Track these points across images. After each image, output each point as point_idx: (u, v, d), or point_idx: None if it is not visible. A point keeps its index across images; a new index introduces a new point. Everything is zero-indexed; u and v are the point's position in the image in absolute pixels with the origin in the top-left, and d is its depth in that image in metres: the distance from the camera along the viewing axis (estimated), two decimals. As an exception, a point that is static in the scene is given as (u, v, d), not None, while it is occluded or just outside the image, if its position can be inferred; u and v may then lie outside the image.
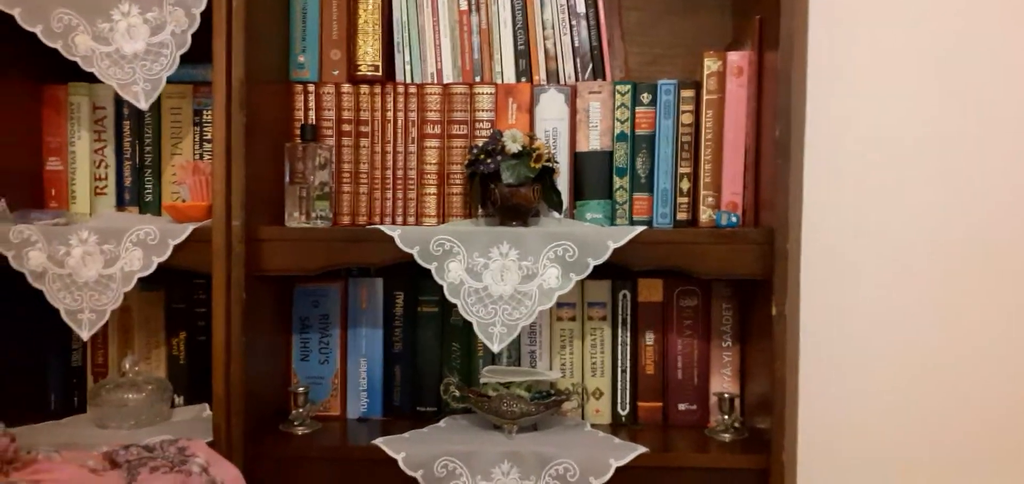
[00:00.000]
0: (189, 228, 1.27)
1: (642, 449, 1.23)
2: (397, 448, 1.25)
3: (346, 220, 1.39)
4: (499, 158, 1.28)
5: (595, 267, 1.25)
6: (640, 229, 1.25)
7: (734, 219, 1.28)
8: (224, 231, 1.24)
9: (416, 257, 1.25)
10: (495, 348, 1.25)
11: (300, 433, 1.33)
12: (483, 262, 1.25)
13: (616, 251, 1.24)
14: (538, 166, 1.28)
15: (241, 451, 1.24)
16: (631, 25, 1.52)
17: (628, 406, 1.40)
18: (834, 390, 1.39)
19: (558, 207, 1.34)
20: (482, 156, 1.29)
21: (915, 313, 1.39)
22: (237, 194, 1.24)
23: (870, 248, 1.39)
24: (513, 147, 1.27)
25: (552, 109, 1.38)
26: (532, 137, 1.33)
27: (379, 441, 1.26)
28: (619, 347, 1.40)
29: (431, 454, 1.23)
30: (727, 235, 1.24)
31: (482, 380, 1.34)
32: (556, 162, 1.33)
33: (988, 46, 1.38)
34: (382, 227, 1.27)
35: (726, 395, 1.32)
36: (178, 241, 1.26)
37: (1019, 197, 1.37)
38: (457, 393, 1.34)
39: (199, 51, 1.27)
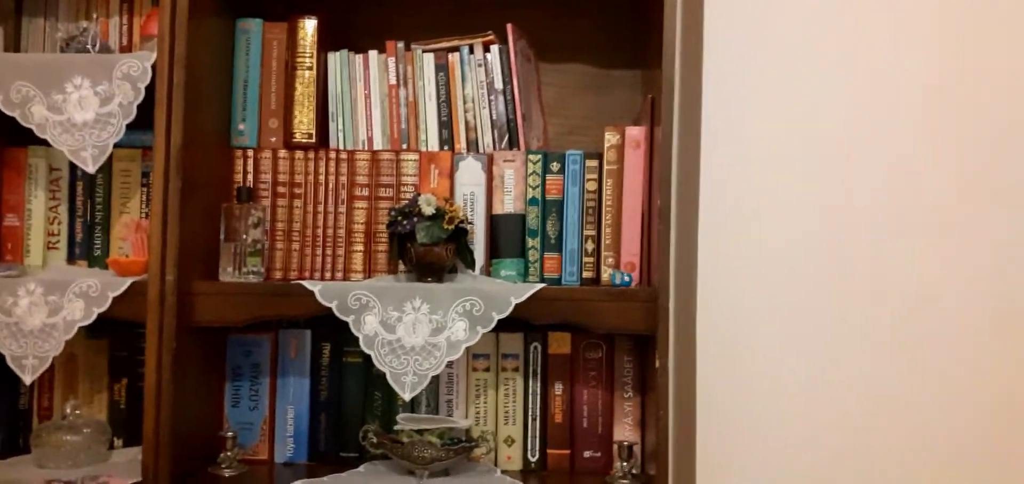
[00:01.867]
0: (128, 282, 1.38)
1: (538, 492, 1.33)
2: (314, 490, 1.34)
3: (279, 275, 1.50)
4: (415, 219, 1.39)
5: (510, 321, 1.36)
6: (540, 286, 1.36)
7: (627, 278, 1.40)
8: (158, 284, 1.35)
9: (334, 310, 1.36)
10: (406, 396, 1.35)
11: (227, 475, 1.42)
12: (397, 316, 1.36)
13: (519, 306, 1.35)
14: (451, 227, 1.40)
15: (167, 490, 1.33)
16: (550, 99, 1.66)
17: (538, 453, 1.50)
18: (731, 438, 1.49)
19: (471, 265, 1.45)
20: (399, 218, 1.41)
21: (808, 368, 1.49)
22: (171, 251, 1.36)
23: (764, 304, 1.50)
24: (427, 209, 1.39)
25: (470, 175, 1.50)
26: (448, 200, 1.45)
27: None
28: (530, 397, 1.50)
29: (345, 495, 1.33)
30: (618, 293, 1.35)
31: (396, 427, 1.44)
32: (469, 223, 1.45)
33: (875, 121, 1.51)
34: (304, 282, 1.38)
35: (625, 443, 1.41)
36: (117, 293, 1.37)
37: (907, 249, 1.48)
38: (375, 439, 1.43)
39: (149, 119, 1.39)
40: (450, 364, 1.46)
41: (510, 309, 1.34)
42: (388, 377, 1.35)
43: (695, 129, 1.51)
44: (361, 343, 1.35)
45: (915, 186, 1.50)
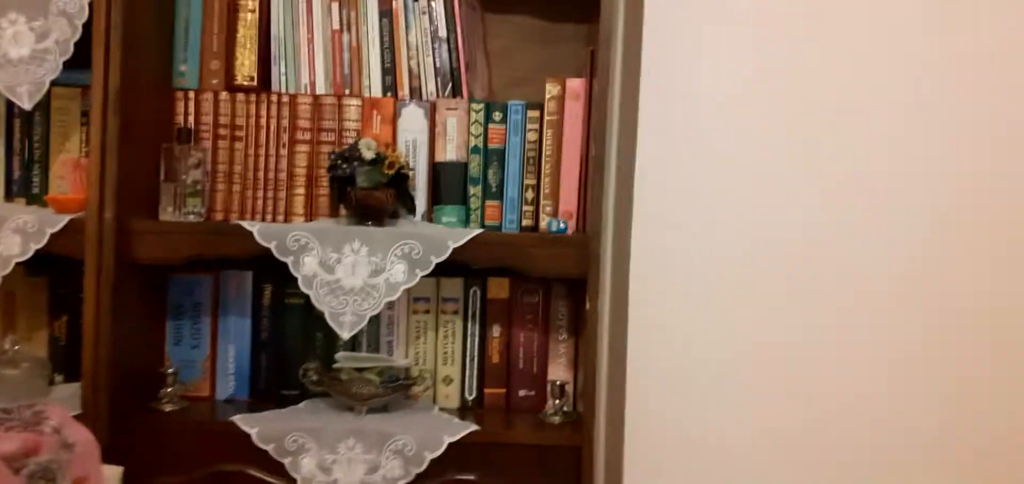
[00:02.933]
0: (66, 219, 1.38)
1: (472, 427, 1.38)
2: (252, 424, 1.37)
3: (219, 216, 1.51)
4: (355, 164, 1.42)
5: (450, 266, 1.40)
6: (478, 231, 1.40)
7: (562, 226, 1.44)
8: (96, 221, 1.36)
9: (273, 251, 1.38)
10: (344, 335, 1.38)
11: (167, 409, 1.44)
12: (336, 257, 1.38)
13: (457, 250, 1.39)
14: (391, 172, 1.43)
15: (106, 423, 1.35)
16: (496, 50, 1.67)
17: (475, 391, 1.55)
18: (661, 380, 1.55)
19: (412, 211, 1.48)
20: (339, 162, 1.43)
21: (739, 316, 1.56)
22: (110, 189, 1.36)
23: (697, 250, 1.56)
24: (367, 154, 1.41)
25: (413, 122, 1.53)
26: (389, 146, 1.47)
27: (236, 418, 1.38)
28: (469, 338, 1.55)
29: (283, 430, 1.36)
30: (552, 240, 1.40)
31: (335, 365, 1.47)
32: (410, 169, 1.48)
33: (809, 65, 1.55)
34: (243, 223, 1.39)
35: (557, 382, 1.47)
36: (54, 230, 1.37)
37: (840, 196, 1.53)
38: (315, 377, 1.46)
39: (88, 57, 1.38)
40: (391, 306, 1.51)
41: (448, 253, 1.38)
42: (327, 317, 1.38)
43: (635, 81, 1.55)
44: (300, 283, 1.38)
45: (861, 139, 1.53)
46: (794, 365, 1.56)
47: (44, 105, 1.50)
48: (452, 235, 1.38)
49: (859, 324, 1.54)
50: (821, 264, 1.55)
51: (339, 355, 1.48)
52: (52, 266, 1.50)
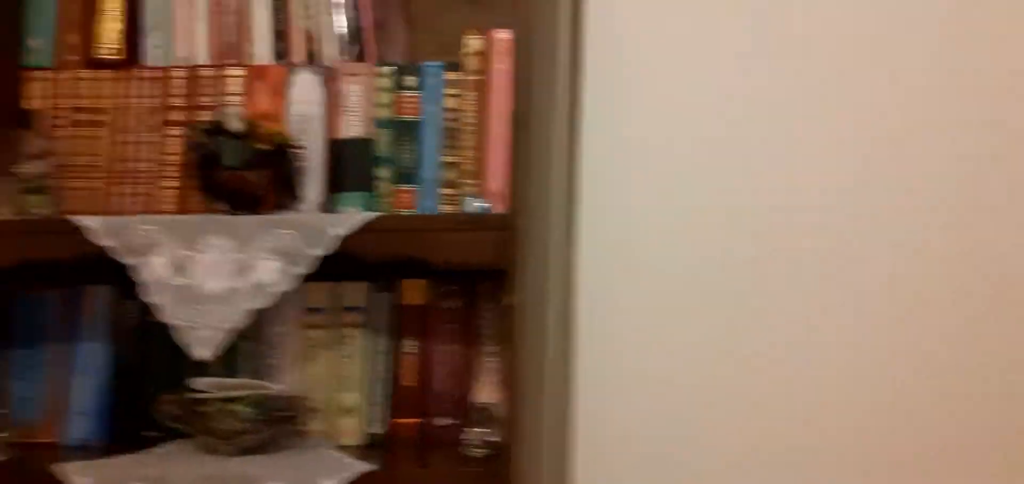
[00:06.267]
0: None
1: (363, 467, 1.05)
2: (85, 474, 1.06)
3: (76, 217, 1.23)
4: (220, 139, 1.13)
5: (352, 267, 1.10)
6: (373, 216, 1.09)
7: (484, 207, 1.13)
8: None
9: (117, 251, 1.09)
10: (200, 356, 1.08)
11: (-9, 459, 1.14)
12: (189, 255, 1.09)
13: (349, 241, 1.08)
14: (268, 148, 1.14)
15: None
16: (419, 11, 1.39)
17: (382, 423, 1.22)
18: (615, 394, 1.22)
19: (299, 197, 1.19)
20: (200, 138, 1.15)
21: (697, 314, 1.24)
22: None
23: (663, 242, 1.24)
24: (234, 126, 1.13)
25: (306, 92, 1.24)
26: (269, 118, 1.19)
27: (67, 465, 1.08)
28: (376, 357, 1.23)
29: (121, 479, 1.05)
30: (466, 221, 1.09)
31: (195, 394, 1.16)
32: (298, 146, 1.18)
33: (784, 43, 1.25)
34: (76, 217, 1.11)
35: (480, 405, 1.14)
36: None
37: (804, 194, 1.24)
38: (176, 411, 1.16)
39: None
40: (277, 319, 1.21)
41: (334, 244, 1.08)
42: (178, 332, 1.08)
43: (564, 24, 1.24)
44: (144, 291, 1.08)
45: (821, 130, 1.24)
46: (771, 376, 1.24)
47: None
48: (337, 222, 1.08)
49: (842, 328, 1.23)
50: (805, 265, 1.24)
51: (202, 382, 1.17)
52: None
